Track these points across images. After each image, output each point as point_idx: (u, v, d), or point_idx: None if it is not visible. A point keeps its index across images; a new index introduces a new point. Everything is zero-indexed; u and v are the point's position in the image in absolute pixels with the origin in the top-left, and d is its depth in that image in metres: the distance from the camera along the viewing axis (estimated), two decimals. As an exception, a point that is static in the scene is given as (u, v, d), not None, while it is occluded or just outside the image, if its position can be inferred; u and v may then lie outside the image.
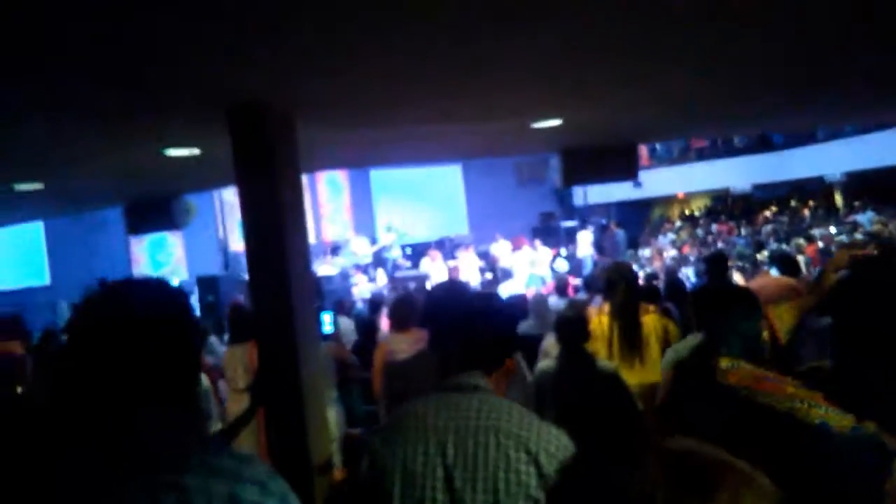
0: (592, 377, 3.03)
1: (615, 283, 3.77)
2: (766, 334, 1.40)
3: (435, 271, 12.75)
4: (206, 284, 10.43)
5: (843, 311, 1.28)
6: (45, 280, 11.83)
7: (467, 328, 1.47)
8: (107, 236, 12.47)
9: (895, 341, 1.16)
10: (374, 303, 8.07)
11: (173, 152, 3.67)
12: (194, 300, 10.86)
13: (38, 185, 4.35)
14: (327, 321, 4.86)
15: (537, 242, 13.68)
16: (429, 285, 10.88)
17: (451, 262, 13.52)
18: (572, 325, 3.22)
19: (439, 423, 1.34)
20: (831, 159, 13.87)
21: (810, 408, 1.12)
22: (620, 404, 3.02)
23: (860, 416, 1.13)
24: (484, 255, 13.63)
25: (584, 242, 14.32)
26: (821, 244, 10.67)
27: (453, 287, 1.74)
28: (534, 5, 1.75)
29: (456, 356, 1.45)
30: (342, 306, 7.28)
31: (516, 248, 13.33)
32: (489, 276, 11.94)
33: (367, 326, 5.52)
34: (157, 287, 1.14)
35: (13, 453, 1.48)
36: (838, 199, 16.05)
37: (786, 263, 4.85)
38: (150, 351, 1.04)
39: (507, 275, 11.54)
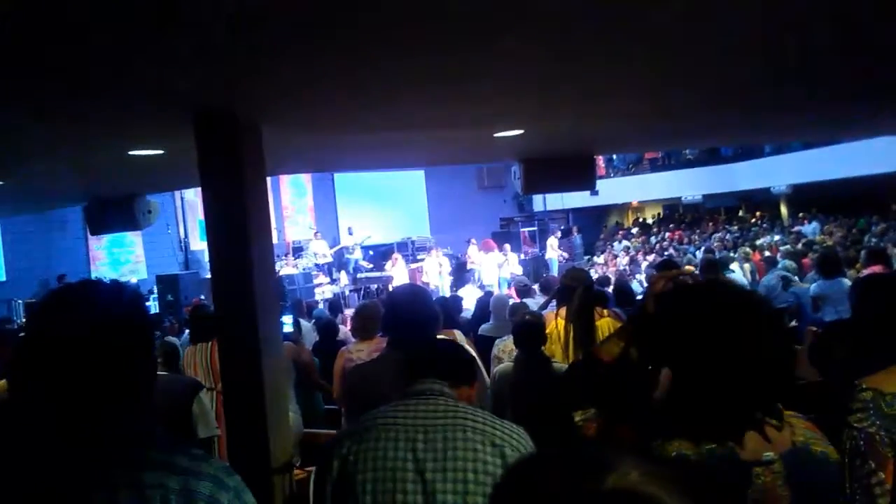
0: (549, 379, 3.15)
1: (572, 288, 3.92)
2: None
3: (397, 273, 12.83)
4: (166, 283, 10.30)
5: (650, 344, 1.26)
6: (2, 276, 11.50)
7: (428, 333, 1.59)
8: (65, 234, 12.19)
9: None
10: (334, 304, 8.09)
11: (137, 152, 3.68)
12: (154, 299, 10.71)
13: (-4, 182, 4.30)
14: (287, 322, 4.91)
15: (507, 247, 13.99)
16: (391, 287, 10.97)
17: (414, 265, 13.62)
18: (530, 330, 3.33)
19: (408, 421, 1.41)
20: (778, 172, 14.50)
21: (664, 442, 1.13)
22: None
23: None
24: (453, 258, 13.87)
25: (552, 246, 14.84)
26: (767, 253, 11.12)
27: (414, 291, 1.83)
28: (501, 24, 1.85)
29: (419, 362, 1.52)
30: (302, 307, 7.31)
31: (486, 250, 13.60)
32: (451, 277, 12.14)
33: (327, 327, 5.57)
34: (112, 289, 1.15)
35: None
36: (784, 210, 16.75)
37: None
38: (106, 353, 1.06)
39: (472, 275, 11.77)
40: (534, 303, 5.66)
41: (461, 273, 12.45)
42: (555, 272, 12.93)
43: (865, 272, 5.82)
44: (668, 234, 16.91)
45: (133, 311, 1.14)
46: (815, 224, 13.88)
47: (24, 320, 9.10)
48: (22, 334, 1.31)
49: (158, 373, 1.43)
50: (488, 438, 1.37)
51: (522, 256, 14.90)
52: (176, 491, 1.00)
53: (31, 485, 1.00)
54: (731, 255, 10.88)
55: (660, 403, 1.20)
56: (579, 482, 0.53)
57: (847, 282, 5.58)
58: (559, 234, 15.91)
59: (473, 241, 14.00)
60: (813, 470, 1.15)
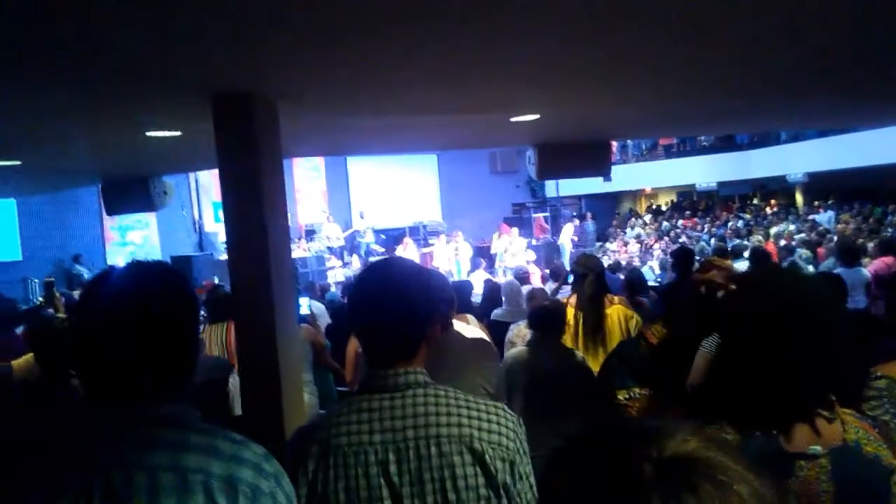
0: (566, 365, 3.15)
1: (583, 275, 3.91)
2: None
3: (408, 257, 12.87)
4: (180, 265, 10.38)
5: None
6: (18, 256, 11.66)
7: (386, 308, 1.31)
8: (79, 214, 12.32)
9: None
10: (347, 287, 8.12)
11: (153, 134, 3.70)
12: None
13: (15, 162, 4.33)
14: (304, 304, 4.95)
15: (514, 231, 14.06)
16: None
17: (425, 249, 13.65)
18: (550, 315, 3.30)
19: (375, 438, 1.24)
20: (793, 160, 14.33)
21: (705, 425, 1.11)
22: (590, 392, 3.14)
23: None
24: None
25: (567, 233, 14.85)
26: (782, 241, 11.04)
27: (379, 266, 1.45)
28: (520, 8, 1.84)
29: (381, 343, 1.32)
30: (315, 289, 7.35)
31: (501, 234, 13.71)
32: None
33: (340, 310, 5.61)
34: (159, 270, 1.16)
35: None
36: (799, 198, 16.58)
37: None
38: (154, 333, 1.06)
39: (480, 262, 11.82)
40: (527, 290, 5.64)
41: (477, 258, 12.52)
42: (566, 258, 12.91)
43: (875, 263, 5.78)
44: (682, 222, 16.80)
45: (179, 292, 1.13)
46: (830, 213, 13.74)
47: (40, 300, 9.21)
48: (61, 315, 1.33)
49: None
50: (465, 445, 1.23)
51: (534, 242, 14.87)
52: (219, 477, 0.99)
53: (72, 465, 0.99)
54: (745, 242, 10.81)
55: (699, 388, 1.18)
56: (638, 449, 0.52)
57: (865, 271, 5.54)
58: (576, 220, 15.85)
59: (504, 226, 14.21)
60: (861, 470, 1.12)
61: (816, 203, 14.94)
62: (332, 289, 9.18)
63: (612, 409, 1.39)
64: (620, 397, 1.34)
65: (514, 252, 13.25)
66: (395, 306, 1.29)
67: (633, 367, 1.30)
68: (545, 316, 3.29)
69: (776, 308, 1.12)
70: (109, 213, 5.72)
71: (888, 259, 5.77)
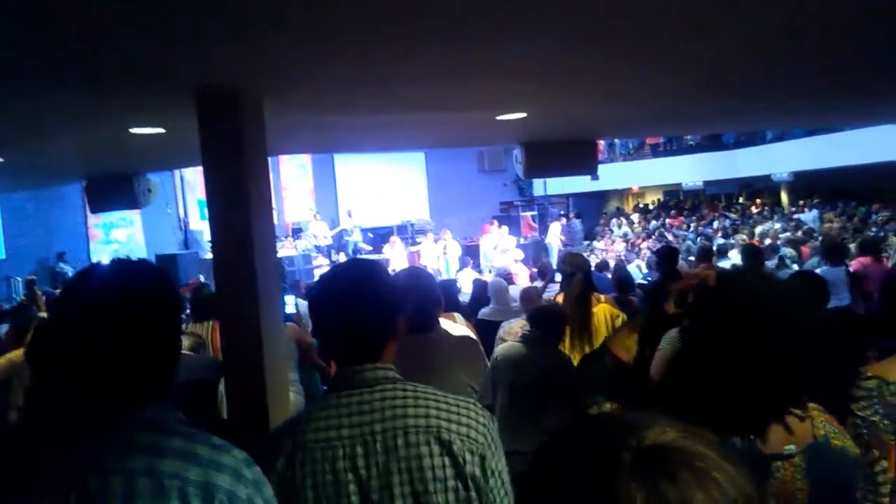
0: (555, 365, 3.17)
1: (571, 274, 3.93)
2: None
3: (395, 256, 12.85)
4: (165, 263, 10.30)
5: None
6: (1, 254, 11.51)
7: (346, 306, 1.31)
8: (64, 212, 12.18)
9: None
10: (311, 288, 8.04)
11: (138, 131, 3.66)
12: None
13: (-4, 159, 4.28)
14: (289, 303, 4.92)
15: (504, 229, 14.09)
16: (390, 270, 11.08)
17: (413, 248, 13.62)
18: (557, 318, 3.35)
19: (343, 433, 1.24)
20: (779, 159, 14.45)
21: None
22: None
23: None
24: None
25: (554, 232, 14.94)
26: (767, 241, 11.13)
27: (341, 267, 1.49)
28: (523, 9, 1.84)
29: (344, 342, 1.33)
30: (300, 288, 7.31)
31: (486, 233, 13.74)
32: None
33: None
34: (141, 269, 1.14)
35: None
36: (784, 197, 16.73)
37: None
38: (134, 334, 1.05)
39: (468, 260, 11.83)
40: (515, 289, 5.66)
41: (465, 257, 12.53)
42: (553, 257, 12.95)
43: (854, 263, 5.84)
44: (668, 221, 16.90)
45: (163, 291, 1.12)
46: (815, 212, 13.88)
47: (22, 298, 9.10)
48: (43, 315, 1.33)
49: (183, 352, 1.41)
50: (433, 436, 1.23)
51: (522, 240, 14.91)
52: (195, 483, 0.99)
53: (53, 468, 0.99)
54: (731, 241, 10.89)
55: (656, 387, 1.17)
56: (618, 439, 0.53)
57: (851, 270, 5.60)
58: (564, 219, 15.92)
59: (495, 223, 14.31)
60: (832, 464, 1.14)
61: (801, 202, 15.08)
62: (320, 287, 9.12)
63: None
64: (591, 412, 1.33)
65: (504, 249, 13.33)
66: (355, 304, 1.31)
67: (598, 381, 1.28)
68: (552, 317, 3.31)
69: (743, 308, 1.12)
70: (93, 211, 5.66)
71: (865, 259, 5.84)
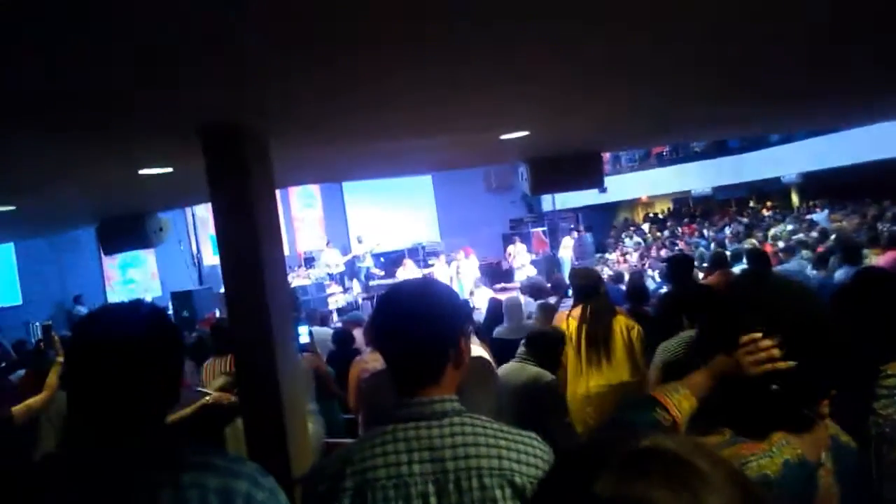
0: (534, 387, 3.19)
1: (590, 289, 3.92)
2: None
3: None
4: (181, 299, 10.35)
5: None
6: (18, 300, 11.65)
7: (408, 328, 1.26)
8: (79, 254, 12.33)
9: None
10: (347, 313, 8.09)
11: (147, 171, 3.71)
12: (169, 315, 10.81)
13: (10, 207, 4.35)
14: (303, 333, 4.93)
15: (523, 246, 14.41)
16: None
17: (425, 270, 13.64)
18: (549, 343, 3.39)
19: (415, 469, 1.19)
20: (786, 161, 14.40)
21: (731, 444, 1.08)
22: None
23: None
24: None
25: (567, 246, 15.00)
26: (781, 243, 11.02)
27: (402, 284, 1.44)
28: (512, 27, 1.85)
29: (400, 365, 1.28)
30: (316, 317, 7.34)
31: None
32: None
33: (343, 336, 5.58)
34: (147, 311, 1.24)
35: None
36: (795, 198, 16.60)
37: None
38: (145, 368, 1.13)
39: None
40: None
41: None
42: (566, 272, 12.92)
43: (883, 257, 5.76)
44: (680, 228, 16.81)
45: (160, 322, 1.21)
46: (826, 211, 13.75)
47: (39, 341, 9.17)
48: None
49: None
50: (506, 479, 1.19)
51: (534, 256, 14.90)
52: (214, 490, 1.05)
53: (74, 486, 1.05)
54: (744, 246, 10.79)
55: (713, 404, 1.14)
56: (615, 444, 0.55)
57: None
58: (575, 233, 15.92)
59: (517, 240, 14.64)
60: (848, 460, 1.13)
61: (812, 202, 14.96)
62: (334, 316, 9.14)
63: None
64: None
65: (521, 264, 13.50)
66: (413, 326, 1.25)
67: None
68: (549, 342, 3.38)
69: (747, 313, 1.12)
70: (107, 253, 5.73)
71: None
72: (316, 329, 6.14)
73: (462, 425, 1.23)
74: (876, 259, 5.90)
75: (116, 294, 12.86)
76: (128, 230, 4.98)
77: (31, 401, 3.07)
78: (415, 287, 1.39)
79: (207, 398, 3.01)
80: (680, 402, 1.14)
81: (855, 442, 1.18)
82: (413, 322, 1.26)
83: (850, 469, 1.12)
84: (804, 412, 1.11)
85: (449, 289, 1.41)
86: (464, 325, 1.33)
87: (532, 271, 13.11)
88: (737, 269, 5.93)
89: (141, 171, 3.70)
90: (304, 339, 5.00)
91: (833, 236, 9.79)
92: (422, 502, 1.18)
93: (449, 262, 13.53)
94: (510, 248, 14.57)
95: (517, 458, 1.21)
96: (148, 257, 13.25)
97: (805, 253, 8.12)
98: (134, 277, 13.41)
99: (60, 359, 3.24)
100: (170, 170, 3.74)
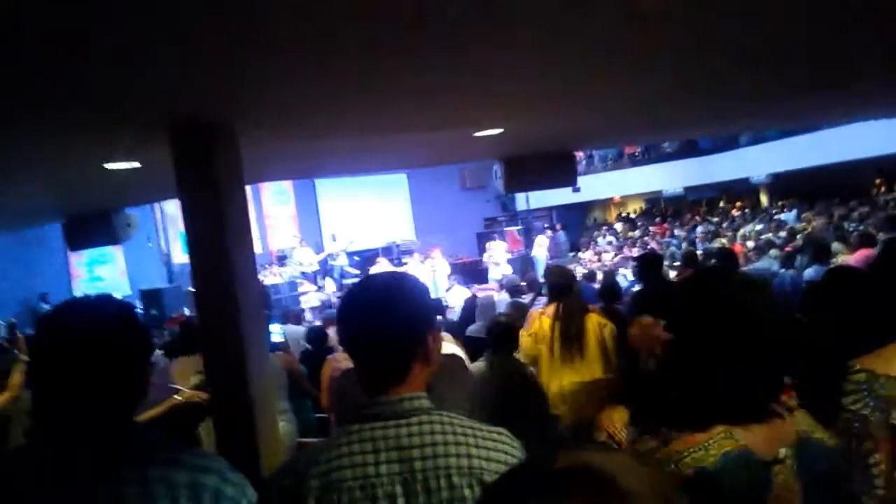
0: (513, 381, 3.22)
1: (563, 287, 3.95)
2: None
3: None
4: (150, 297, 10.18)
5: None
6: (-18, 298, 11.35)
7: (373, 325, 1.21)
8: (45, 251, 12.04)
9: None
10: (323, 311, 8.01)
11: (113, 166, 3.63)
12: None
13: (-30, 202, 4.22)
14: (276, 331, 4.87)
15: (503, 244, 14.64)
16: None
17: (399, 269, 13.60)
18: (502, 332, 3.41)
19: (381, 470, 1.16)
20: (756, 162, 14.67)
21: (669, 440, 1.09)
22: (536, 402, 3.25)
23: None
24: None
25: (541, 245, 15.08)
26: (750, 243, 11.22)
27: (367, 279, 1.38)
28: (485, 28, 1.84)
29: (375, 366, 1.23)
30: (289, 315, 7.27)
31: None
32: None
33: (316, 335, 5.53)
34: (114, 306, 1.23)
35: None
36: (764, 199, 16.92)
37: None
38: (111, 363, 1.12)
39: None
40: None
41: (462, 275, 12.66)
42: (539, 270, 12.99)
43: (853, 256, 5.89)
44: (652, 228, 17.01)
45: (126, 316, 1.21)
46: (794, 211, 14.03)
47: (3, 339, 8.94)
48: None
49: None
50: (475, 477, 1.17)
51: (509, 255, 14.95)
52: (183, 485, 1.05)
53: (40, 479, 1.04)
54: (715, 245, 10.96)
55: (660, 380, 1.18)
56: (540, 465, 0.57)
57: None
58: (549, 232, 16.01)
59: (497, 238, 14.81)
60: (817, 459, 1.11)
61: (781, 203, 15.26)
62: (308, 315, 9.06)
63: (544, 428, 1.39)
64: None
65: (496, 262, 13.66)
66: (375, 320, 1.20)
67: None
68: (499, 328, 3.44)
69: (712, 305, 1.13)
70: (72, 248, 5.60)
71: (868, 251, 5.88)
72: (289, 328, 6.08)
73: (430, 423, 1.20)
74: (845, 258, 6.04)
75: (83, 292, 12.58)
76: (94, 225, 4.88)
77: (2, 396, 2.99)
78: (381, 282, 1.32)
79: (177, 396, 2.95)
80: (611, 416, 1.18)
81: (833, 439, 1.18)
82: (378, 318, 1.21)
83: (819, 467, 1.11)
84: (756, 404, 1.10)
85: (418, 283, 1.33)
86: (433, 321, 1.29)
87: (508, 270, 13.15)
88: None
89: (107, 166, 3.61)
90: (277, 337, 4.94)
91: (799, 235, 9.99)
92: (389, 503, 1.15)
93: (423, 261, 13.52)
94: (489, 245, 14.62)
95: (486, 456, 1.19)
96: (116, 254, 12.99)
97: (773, 252, 8.28)
98: (101, 275, 13.14)
99: (25, 358, 3.15)
100: (137, 165, 3.66)
